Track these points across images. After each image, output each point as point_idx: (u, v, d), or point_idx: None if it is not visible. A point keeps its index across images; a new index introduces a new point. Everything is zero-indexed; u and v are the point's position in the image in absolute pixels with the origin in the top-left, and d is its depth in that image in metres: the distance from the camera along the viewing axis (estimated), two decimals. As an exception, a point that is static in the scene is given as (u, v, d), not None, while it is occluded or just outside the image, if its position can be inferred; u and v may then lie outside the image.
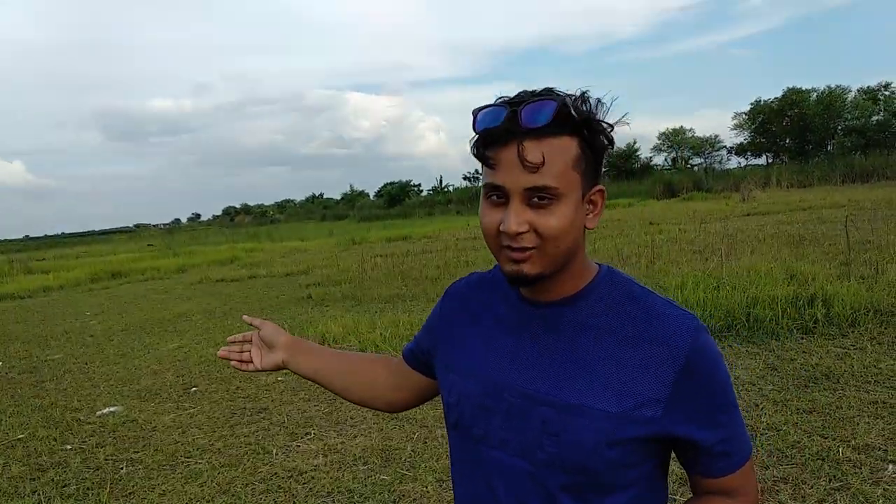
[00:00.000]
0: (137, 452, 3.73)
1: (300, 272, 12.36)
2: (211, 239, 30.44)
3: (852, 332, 4.56)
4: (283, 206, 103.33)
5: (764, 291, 5.15)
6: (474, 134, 0.78)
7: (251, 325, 1.15)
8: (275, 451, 3.56)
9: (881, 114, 39.98)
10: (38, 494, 3.25)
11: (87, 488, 3.30)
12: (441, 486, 2.96)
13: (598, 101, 0.77)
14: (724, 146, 50.58)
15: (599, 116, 0.77)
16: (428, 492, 2.92)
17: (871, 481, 2.62)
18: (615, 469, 0.79)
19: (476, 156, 0.78)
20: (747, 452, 0.83)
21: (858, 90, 42.20)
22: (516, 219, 0.75)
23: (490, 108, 0.77)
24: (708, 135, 52.09)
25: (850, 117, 41.26)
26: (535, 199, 0.75)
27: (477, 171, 0.95)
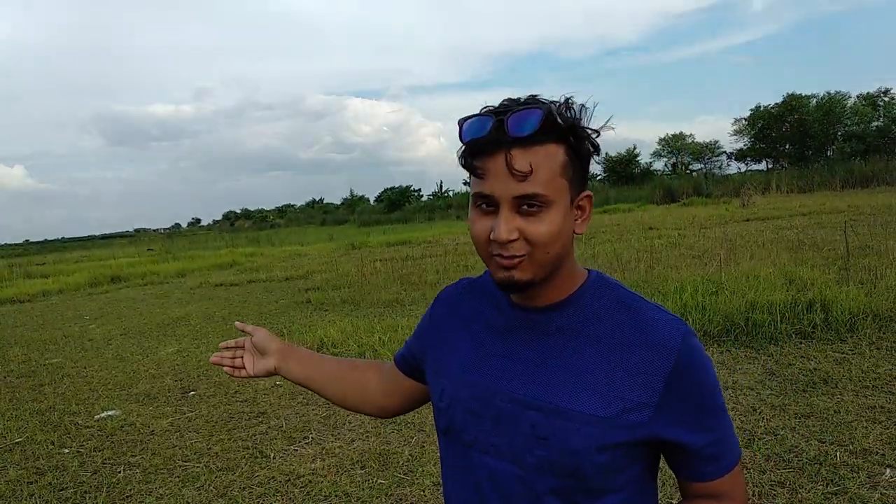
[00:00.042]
0: (135, 456, 3.72)
1: (300, 277, 12.36)
2: (211, 243, 30.43)
3: (851, 336, 4.57)
4: (284, 211, 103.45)
5: (763, 296, 5.16)
6: (461, 144, 0.78)
7: (243, 331, 1.16)
8: (272, 454, 3.56)
9: (881, 119, 40.09)
10: (36, 498, 3.25)
11: (85, 492, 3.29)
12: (438, 490, 2.96)
13: (583, 107, 0.78)
14: (724, 152, 50.75)
15: (584, 123, 0.78)
16: (425, 496, 2.92)
17: (868, 486, 2.62)
18: (605, 473, 0.79)
19: (464, 166, 0.79)
20: (736, 456, 0.84)
21: (858, 96, 42.37)
22: (506, 227, 0.75)
23: (476, 118, 0.77)
24: (708, 140, 52.35)
25: (849, 123, 41.38)
26: (525, 207, 0.75)
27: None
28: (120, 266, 18.20)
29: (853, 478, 2.68)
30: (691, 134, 54.49)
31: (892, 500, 2.51)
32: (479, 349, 0.90)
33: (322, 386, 1.13)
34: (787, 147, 45.32)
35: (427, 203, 58.04)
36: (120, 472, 3.52)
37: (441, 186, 62.88)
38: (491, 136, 0.75)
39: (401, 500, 2.91)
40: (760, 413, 3.45)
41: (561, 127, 0.76)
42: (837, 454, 2.89)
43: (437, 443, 0.98)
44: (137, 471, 3.51)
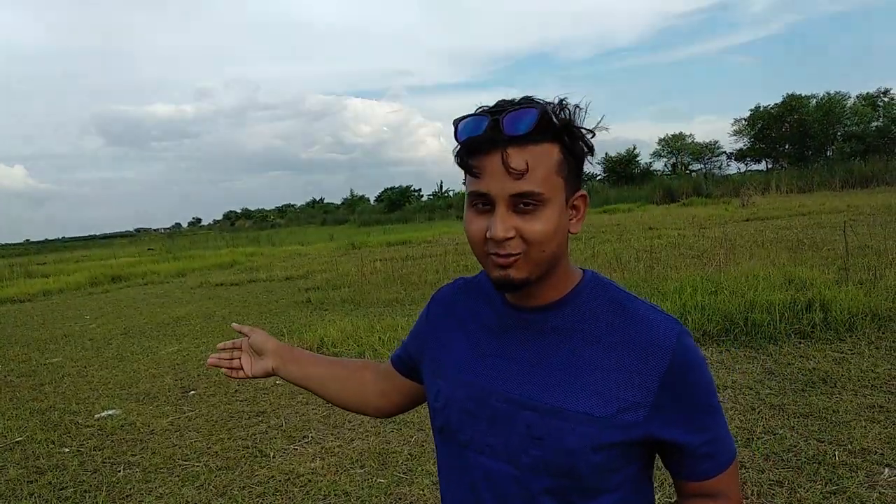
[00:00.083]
0: (135, 455, 3.73)
1: (300, 276, 12.37)
2: (211, 243, 30.44)
3: (850, 336, 4.57)
4: (284, 211, 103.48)
5: (762, 296, 5.16)
6: (456, 144, 0.79)
7: (240, 332, 1.16)
8: (272, 454, 3.57)
9: (880, 120, 40.11)
10: (36, 497, 3.26)
11: (85, 491, 3.30)
12: (437, 489, 2.94)
13: (577, 107, 0.79)
14: (724, 152, 50.78)
15: (578, 123, 0.79)
16: (424, 495, 2.92)
17: (866, 485, 2.62)
18: (600, 473, 0.79)
19: (460, 165, 0.79)
20: (731, 455, 0.84)
21: (857, 96, 42.42)
22: (503, 225, 0.75)
23: (471, 118, 0.78)
24: (708, 140, 52.37)
25: (849, 123, 41.40)
26: (521, 205, 0.76)
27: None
28: (120, 266, 18.23)
29: (852, 477, 2.68)
30: (691, 134, 54.63)
31: (891, 499, 2.51)
32: (474, 349, 0.90)
33: (319, 386, 1.13)
34: (787, 147, 45.34)
35: (427, 203, 58.09)
36: (120, 471, 3.53)
37: (441, 186, 63.01)
38: (487, 135, 0.75)
39: (400, 499, 2.92)
40: (759, 412, 3.46)
41: (556, 126, 0.76)
42: (836, 453, 2.89)
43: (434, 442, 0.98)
44: (137, 470, 3.52)
